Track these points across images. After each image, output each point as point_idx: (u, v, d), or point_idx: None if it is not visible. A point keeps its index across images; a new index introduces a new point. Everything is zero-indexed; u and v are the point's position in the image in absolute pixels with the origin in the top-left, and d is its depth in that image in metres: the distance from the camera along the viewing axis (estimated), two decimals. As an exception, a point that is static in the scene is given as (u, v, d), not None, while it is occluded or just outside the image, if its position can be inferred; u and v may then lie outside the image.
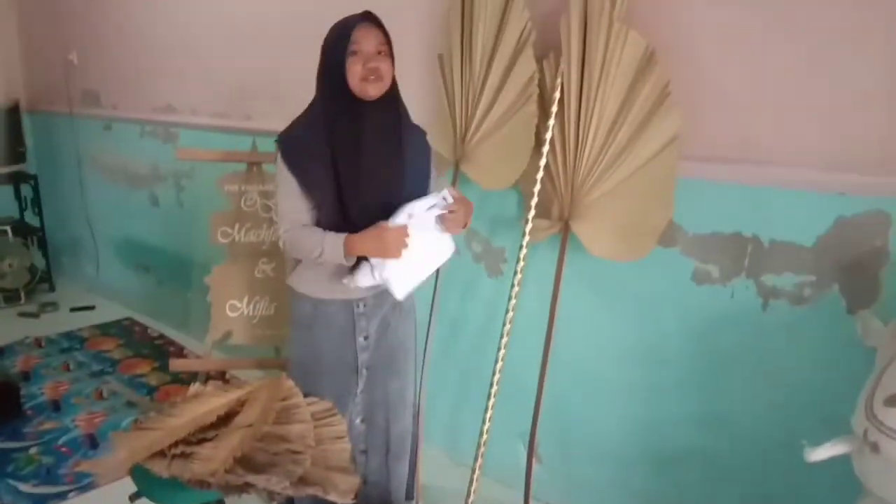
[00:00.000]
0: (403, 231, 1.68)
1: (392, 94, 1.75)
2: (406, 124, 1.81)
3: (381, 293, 1.87)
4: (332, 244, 1.70)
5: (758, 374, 1.83)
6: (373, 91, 1.69)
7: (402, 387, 2.04)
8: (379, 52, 1.69)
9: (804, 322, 1.72)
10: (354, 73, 1.67)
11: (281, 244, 1.84)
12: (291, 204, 1.77)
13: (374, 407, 2.01)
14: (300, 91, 3.08)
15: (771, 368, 1.80)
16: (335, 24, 1.73)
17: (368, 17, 1.69)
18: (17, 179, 4.71)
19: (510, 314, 2.06)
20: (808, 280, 1.69)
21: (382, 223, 1.70)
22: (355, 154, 1.72)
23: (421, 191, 1.79)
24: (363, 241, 1.69)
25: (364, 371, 1.95)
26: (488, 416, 2.11)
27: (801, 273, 1.70)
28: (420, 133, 1.88)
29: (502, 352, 2.08)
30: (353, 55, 1.67)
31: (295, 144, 1.78)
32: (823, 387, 1.71)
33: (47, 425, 2.90)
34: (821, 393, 1.71)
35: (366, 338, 1.92)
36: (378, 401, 2.01)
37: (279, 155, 1.78)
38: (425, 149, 1.89)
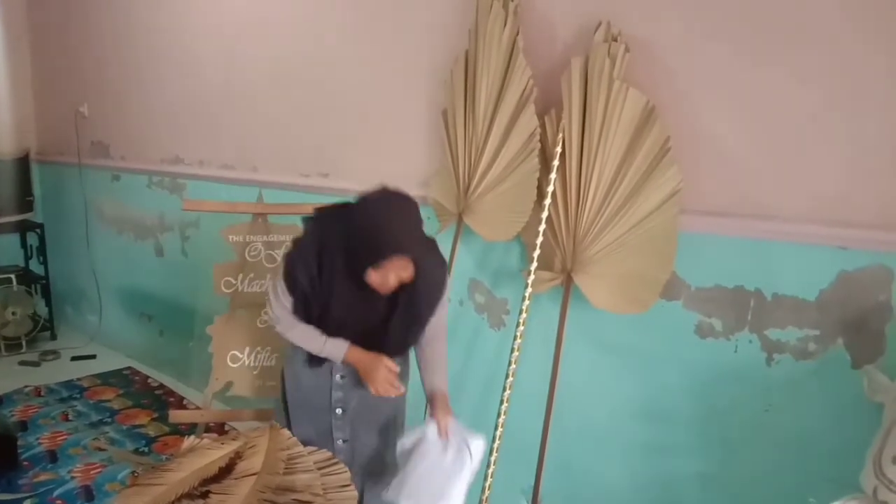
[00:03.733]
0: (393, 373, 1.78)
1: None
2: (420, 291, 1.76)
3: None
4: (335, 347, 1.82)
5: (762, 429, 1.80)
6: (384, 292, 1.71)
7: (383, 449, 1.98)
8: (403, 269, 1.68)
9: (809, 377, 1.71)
10: (373, 278, 1.67)
11: (275, 328, 1.90)
12: (284, 300, 1.83)
13: (353, 461, 1.95)
14: (306, 145, 3.14)
15: (776, 423, 1.78)
16: (378, 221, 1.65)
17: (405, 251, 1.64)
18: (23, 228, 4.75)
19: (513, 366, 2.05)
20: (812, 334, 1.69)
21: (385, 358, 1.79)
22: (344, 309, 1.78)
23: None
24: (361, 359, 1.81)
25: (338, 411, 1.93)
26: (491, 471, 2.08)
27: (804, 327, 1.70)
28: (435, 273, 1.81)
29: (505, 405, 2.06)
30: (378, 267, 1.65)
31: (299, 264, 1.78)
32: (829, 443, 1.69)
33: (43, 477, 2.86)
34: (827, 449, 1.69)
35: (342, 376, 1.92)
36: (357, 455, 1.97)
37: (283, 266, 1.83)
38: (435, 288, 1.83)
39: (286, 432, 1.88)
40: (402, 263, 1.65)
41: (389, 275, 1.66)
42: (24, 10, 4.93)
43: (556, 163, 2.00)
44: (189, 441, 1.87)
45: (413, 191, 2.50)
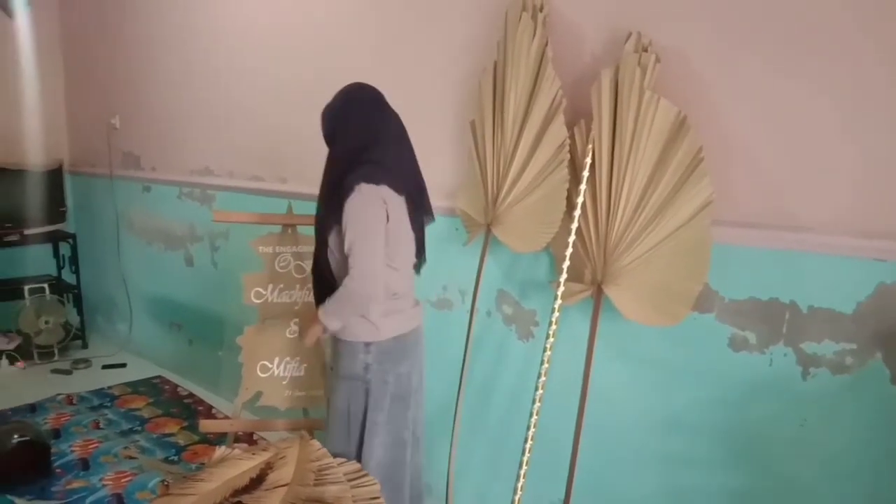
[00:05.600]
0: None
1: None
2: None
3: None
4: None
5: (797, 444, 1.77)
6: None
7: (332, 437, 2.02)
8: None
9: (846, 392, 1.67)
10: None
11: None
12: None
13: None
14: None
15: (811, 439, 1.75)
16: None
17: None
18: (56, 238, 4.84)
19: (542, 379, 2.04)
20: (849, 348, 1.66)
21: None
22: None
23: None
24: None
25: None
26: (520, 485, 2.06)
27: (841, 341, 1.67)
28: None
29: (534, 418, 2.05)
30: None
31: None
32: (867, 459, 1.65)
33: (75, 484, 2.90)
34: (864, 466, 1.65)
35: (331, 368, 2.04)
36: None
37: None
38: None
39: (316, 443, 1.89)
40: None
41: None
42: (56, 23, 5.04)
43: (585, 174, 1.99)
44: (220, 451, 1.88)
45: (440, 201, 2.53)
